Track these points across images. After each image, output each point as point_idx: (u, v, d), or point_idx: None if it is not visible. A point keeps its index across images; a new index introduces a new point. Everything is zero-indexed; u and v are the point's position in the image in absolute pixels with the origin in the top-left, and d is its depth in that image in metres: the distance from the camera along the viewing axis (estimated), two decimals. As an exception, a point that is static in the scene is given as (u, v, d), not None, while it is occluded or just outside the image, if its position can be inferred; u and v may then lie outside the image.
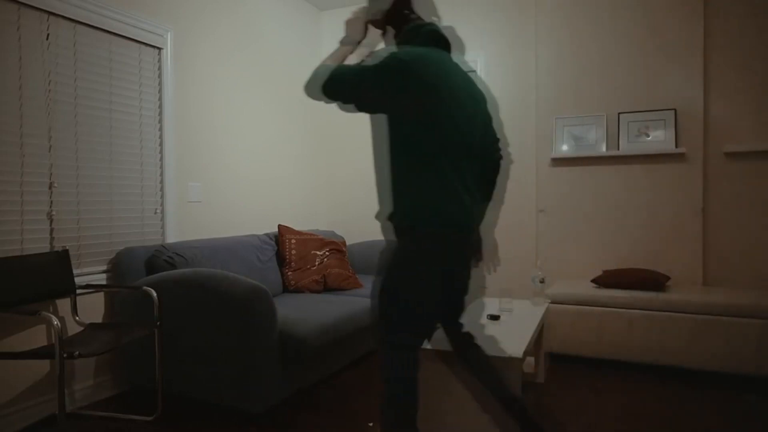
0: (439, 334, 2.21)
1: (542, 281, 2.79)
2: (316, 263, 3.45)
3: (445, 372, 2.00)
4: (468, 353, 1.82)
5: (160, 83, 2.98)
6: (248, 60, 3.67)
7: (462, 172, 1.61)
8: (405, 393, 1.60)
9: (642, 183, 3.53)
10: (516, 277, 3.90)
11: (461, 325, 1.89)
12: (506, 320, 2.48)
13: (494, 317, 2.46)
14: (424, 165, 1.56)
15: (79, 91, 2.55)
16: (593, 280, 3.30)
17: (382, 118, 1.60)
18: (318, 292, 3.35)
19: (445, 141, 1.57)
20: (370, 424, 2.27)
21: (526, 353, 1.99)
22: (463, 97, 1.63)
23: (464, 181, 1.62)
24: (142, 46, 2.87)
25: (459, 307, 1.85)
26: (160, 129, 2.98)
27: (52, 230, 2.43)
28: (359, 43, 1.77)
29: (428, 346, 2.03)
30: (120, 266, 2.62)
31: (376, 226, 4.36)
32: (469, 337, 1.86)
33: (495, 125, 1.80)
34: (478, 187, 1.76)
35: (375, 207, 4.37)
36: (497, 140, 1.83)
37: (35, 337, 2.35)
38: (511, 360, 1.88)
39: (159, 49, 2.97)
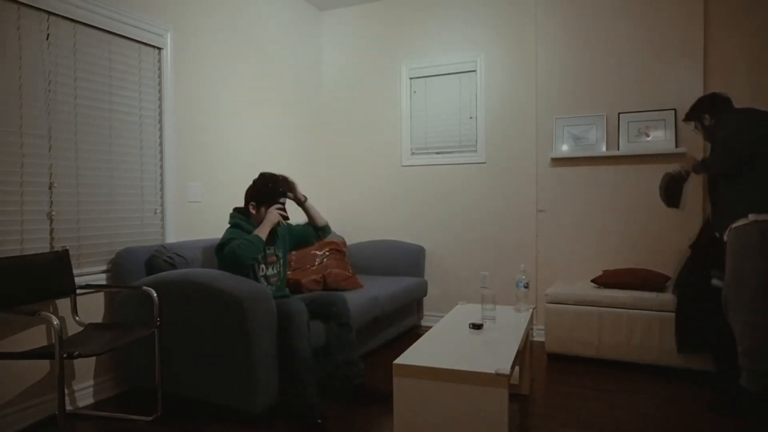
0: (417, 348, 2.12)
1: (526, 286, 2.75)
2: (316, 263, 3.45)
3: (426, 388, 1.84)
4: None
5: (160, 83, 2.98)
6: (248, 60, 3.67)
7: None
8: None
9: (642, 183, 3.53)
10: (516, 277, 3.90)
11: None
12: (489, 329, 2.33)
13: (477, 326, 2.31)
14: None
15: (79, 91, 2.55)
16: (593, 280, 3.30)
17: None
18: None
19: None
20: (319, 421, 2.25)
21: (513, 368, 1.85)
22: None
23: None
24: (142, 46, 2.87)
25: None
26: (160, 129, 2.98)
27: (52, 230, 2.43)
28: None
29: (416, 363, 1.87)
30: (120, 266, 2.62)
31: (376, 226, 4.36)
32: None
33: None
34: None
35: (375, 207, 4.37)
36: None
37: (35, 337, 2.35)
38: (498, 377, 1.73)
39: (159, 49, 2.97)
